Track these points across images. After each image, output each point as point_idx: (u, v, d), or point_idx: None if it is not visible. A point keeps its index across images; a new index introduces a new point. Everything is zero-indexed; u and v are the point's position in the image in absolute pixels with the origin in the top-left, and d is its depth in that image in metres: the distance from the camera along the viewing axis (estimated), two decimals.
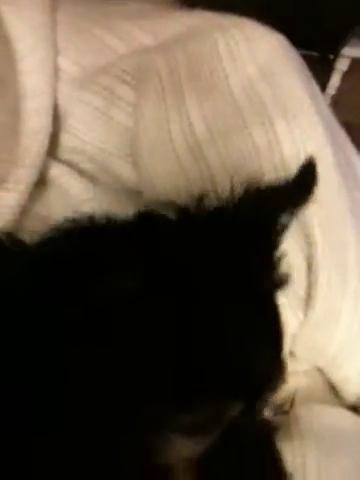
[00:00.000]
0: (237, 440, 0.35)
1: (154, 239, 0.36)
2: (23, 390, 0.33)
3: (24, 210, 0.49)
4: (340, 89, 0.83)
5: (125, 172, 0.51)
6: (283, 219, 0.38)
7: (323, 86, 0.80)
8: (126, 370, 0.33)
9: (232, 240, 0.37)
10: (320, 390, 0.50)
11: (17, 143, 0.48)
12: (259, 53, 0.50)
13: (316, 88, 0.53)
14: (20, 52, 0.49)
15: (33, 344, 0.33)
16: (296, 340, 0.48)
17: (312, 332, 0.48)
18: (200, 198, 0.38)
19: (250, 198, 0.38)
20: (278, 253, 0.39)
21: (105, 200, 0.51)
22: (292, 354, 0.49)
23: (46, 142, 0.50)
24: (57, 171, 0.51)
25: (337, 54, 0.83)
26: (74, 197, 0.51)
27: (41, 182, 0.51)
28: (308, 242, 0.47)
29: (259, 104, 0.48)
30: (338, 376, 0.50)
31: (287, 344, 0.45)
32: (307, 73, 0.53)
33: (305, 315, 0.47)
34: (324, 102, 0.54)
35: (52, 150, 0.51)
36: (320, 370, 0.50)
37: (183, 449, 0.35)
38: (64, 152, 0.52)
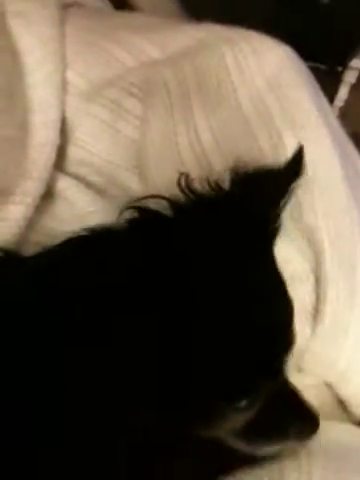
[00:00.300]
0: (276, 402, 0.37)
1: (151, 239, 0.37)
2: (24, 396, 0.33)
3: (30, 223, 0.49)
4: (348, 101, 0.83)
5: (132, 184, 0.51)
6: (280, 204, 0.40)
7: (331, 98, 0.80)
8: (131, 373, 0.33)
9: (229, 229, 0.38)
10: (328, 405, 0.49)
11: (25, 156, 0.49)
12: (267, 66, 0.50)
13: (324, 100, 0.53)
14: (29, 66, 0.50)
15: (32, 352, 0.33)
16: (304, 355, 0.47)
17: (321, 347, 0.47)
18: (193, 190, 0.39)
19: (242, 183, 0.39)
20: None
21: (112, 212, 0.51)
22: (300, 369, 0.48)
23: (53, 155, 0.50)
24: (64, 184, 0.51)
25: (345, 66, 0.83)
26: (81, 209, 0.51)
27: (48, 195, 0.51)
28: (316, 254, 0.46)
29: (267, 116, 0.48)
30: (347, 390, 0.49)
31: (295, 359, 0.45)
32: (315, 85, 0.53)
33: (313, 330, 0.47)
34: (332, 114, 0.54)
35: (59, 163, 0.51)
36: (328, 385, 0.49)
37: (231, 421, 0.36)
38: (71, 165, 0.52)
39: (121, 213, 0.40)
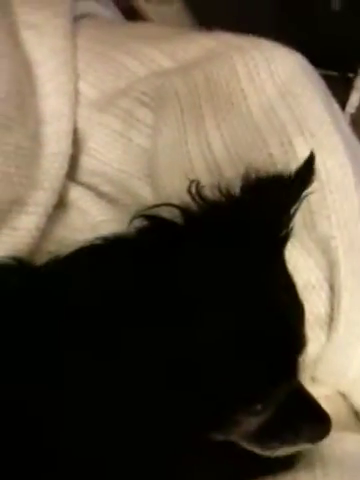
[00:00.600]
0: (289, 404, 0.37)
1: (161, 247, 0.37)
2: (24, 399, 0.33)
3: (43, 233, 0.49)
4: (359, 108, 0.83)
5: (144, 193, 0.52)
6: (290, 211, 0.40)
7: (342, 105, 0.80)
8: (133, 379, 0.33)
9: (240, 235, 0.38)
10: (343, 416, 0.49)
11: (37, 166, 0.49)
12: (278, 73, 0.50)
13: (335, 107, 0.53)
14: (41, 77, 0.50)
15: (31, 354, 0.34)
16: (317, 364, 0.47)
17: (334, 355, 0.47)
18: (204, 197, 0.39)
19: (253, 190, 0.39)
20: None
21: (124, 221, 0.51)
22: (314, 379, 0.48)
23: (65, 165, 0.50)
24: (77, 194, 0.52)
25: (356, 73, 0.83)
26: (93, 219, 0.51)
27: (61, 204, 0.51)
28: (330, 263, 0.46)
29: (278, 123, 0.48)
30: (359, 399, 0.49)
31: (309, 368, 0.45)
32: (326, 92, 0.52)
33: (328, 338, 0.46)
34: (344, 121, 0.53)
35: (72, 173, 0.51)
36: (343, 395, 0.49)
37: (245, 425, 0.37)
38: (83, 175, 0.52)
39: (132, 221, 0.40)
